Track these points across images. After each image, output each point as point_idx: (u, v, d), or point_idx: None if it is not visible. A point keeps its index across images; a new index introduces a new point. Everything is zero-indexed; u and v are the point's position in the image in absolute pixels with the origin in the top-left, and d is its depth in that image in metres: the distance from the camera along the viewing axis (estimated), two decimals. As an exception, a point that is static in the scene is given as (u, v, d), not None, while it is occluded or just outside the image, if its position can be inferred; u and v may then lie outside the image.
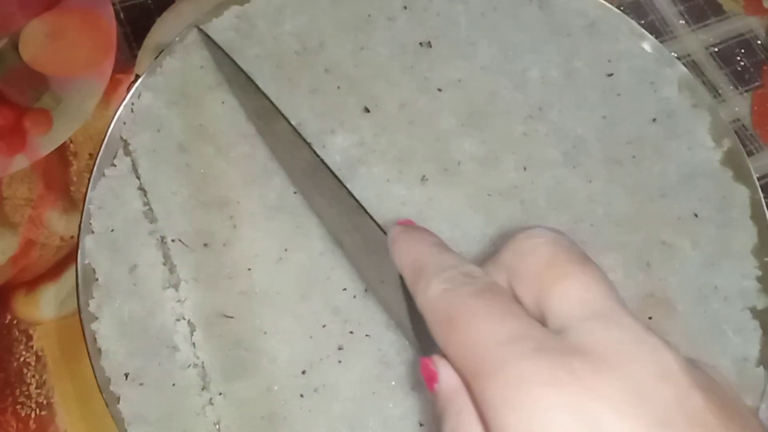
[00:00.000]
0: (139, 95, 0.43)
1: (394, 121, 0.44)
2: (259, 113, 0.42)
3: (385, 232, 0.30)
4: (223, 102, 0.43)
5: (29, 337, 0.40)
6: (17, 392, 0.39)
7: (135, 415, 0.36)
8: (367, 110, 0.44)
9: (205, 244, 0.40)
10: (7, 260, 0.42)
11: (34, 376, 0.39)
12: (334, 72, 0.45)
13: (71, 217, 0.43)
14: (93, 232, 0.40)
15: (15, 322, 0.40)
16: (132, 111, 0.43)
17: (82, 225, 0.40)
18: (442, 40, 0.47)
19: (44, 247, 0.42)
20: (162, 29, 0.48)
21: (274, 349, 0.38)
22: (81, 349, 0.38)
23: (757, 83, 0.51)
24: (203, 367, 0.37)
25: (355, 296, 0.39)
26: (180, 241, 0.40)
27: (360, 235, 0.35)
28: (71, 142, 0.45)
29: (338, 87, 0.45)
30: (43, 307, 0.41)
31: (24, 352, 0.40)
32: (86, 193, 0.40)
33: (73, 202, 0.43)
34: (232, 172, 0.42)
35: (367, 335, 0.38)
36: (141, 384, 0.37)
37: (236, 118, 0.43)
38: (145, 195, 0.41)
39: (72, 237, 0.43)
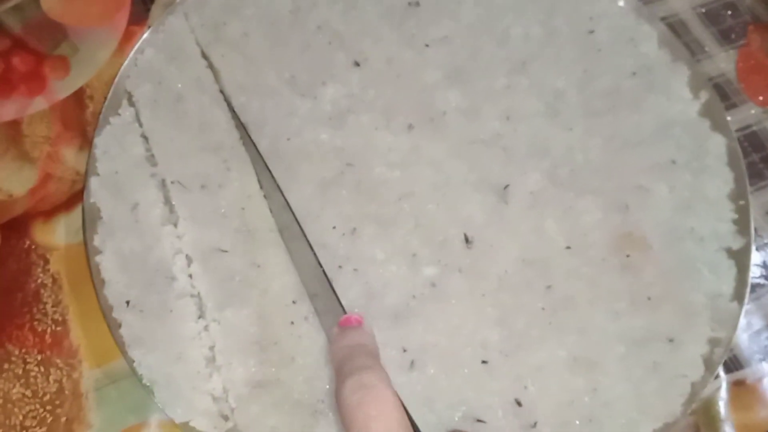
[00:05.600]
0: (143, 51, 0.46)
1: (382, 75, 0.46)
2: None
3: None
4: (222, 56, 0.46)
5: (46, 261, 0.44)
6: (34, 310, 0.43)
7: (135, 338, 0.39)
8: (356, 64, 0.46)
9: (202, 186, 0.42)
10: (26, 191, 0.46)
11: (50, 296, 0.43)
12: (325, 29, 0.47)
13: (86, 154, 0.46)
14: (98, 174, 0.42)
15: (33, 247, 0.44)
16: (136, 65, 0.46)
17: (88, 168, 0.42)
18: (429, 1, 0.49)
19: (60, 181, 0.46)
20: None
21: (265, 281, 0.40)
22: (89, 276, 0.40)
23: (742, 41, 0.52)
24: (200, 297, 0.40)
25: (343, 234, 0.41)
26: (179, 182, 0.42)
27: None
28: (87, 86, 0.49)
29: (329, 43, 0.47)
30: (59, 234, 0.45)
31: (41, 275, 0.43)
32: (92, 139, 0.43)
33: (89, 141, 0.47)
34: (226, 120, 0.44)
35: (355, 269, 0.41)
36: (141, 311, 0.39)
37: (234, 71, 0.46)
38: (147, 141, 0.44)
39: (87, 172, 0.46)
